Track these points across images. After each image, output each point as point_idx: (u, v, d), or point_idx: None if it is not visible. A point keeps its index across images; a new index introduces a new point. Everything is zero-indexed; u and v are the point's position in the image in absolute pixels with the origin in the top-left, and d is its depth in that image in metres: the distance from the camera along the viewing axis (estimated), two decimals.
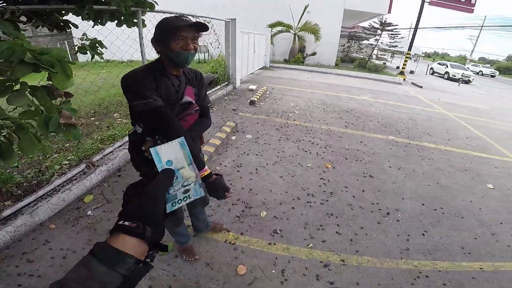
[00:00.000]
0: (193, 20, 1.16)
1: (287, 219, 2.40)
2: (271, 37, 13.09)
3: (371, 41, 18.03)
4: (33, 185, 2.52)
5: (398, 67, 19.11)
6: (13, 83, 1.15)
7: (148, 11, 2.80)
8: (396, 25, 15.45)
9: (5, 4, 1.90)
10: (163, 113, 1.16)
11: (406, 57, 14.34)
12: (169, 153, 0.56)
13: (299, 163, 3.37)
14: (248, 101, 5.92)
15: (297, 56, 14.03)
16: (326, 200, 2.70)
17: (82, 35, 2.75)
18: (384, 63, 17.30)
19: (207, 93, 5.92)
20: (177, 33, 1.13)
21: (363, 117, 5.60)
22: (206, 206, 1.96)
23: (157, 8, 2.84)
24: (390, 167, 3.53)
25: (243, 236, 2.17)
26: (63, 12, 2.46)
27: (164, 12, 3.64)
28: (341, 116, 5.51)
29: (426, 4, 13.33)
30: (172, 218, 1.38)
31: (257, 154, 3.52)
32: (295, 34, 14.04)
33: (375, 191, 2.94)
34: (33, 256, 1.92)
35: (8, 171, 2.60)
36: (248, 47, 8.57)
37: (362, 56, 17.18)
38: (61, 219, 2.28)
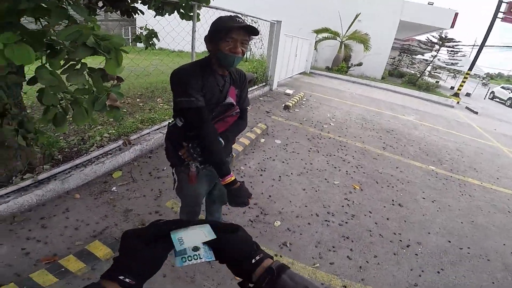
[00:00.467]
0: (245, 22, 1.17)
1: (300, 233, 2.33)
2: (315, 42, 12.82)
3: (426, 56, 16.79)
4: (74, 152, 2.71)
5: (452, 88, 17.60)
6: (76, 63, 1.26)
7: (204, 6, 2.92)
8: (458, 41, 14.16)
9: None
10: (201, 114, 1.21)
11: (464, 77, 13.06)
12: (191, 240, 0.51)
13: (325, 179, 3.25)
14: (283, 105, 5.85)
15: (341, 65, 13.56)
16: (346, 222, 2.58)
17: (142, 26, 2.97)
18: (437, 82, 15.98)
19: None
20: (228, 34, 1.15)
21: (404, 140, 5.23)
22: (224, 204, 1.97)
23: (212, 3, 2.95)
24: (423, 198, 3.27)
25: None
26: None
27: (217, 9, 3.79)
28: (380, 136, 5.20)
29: (497, 20, 11.73)
30: (189, 211, 1.44)
31: (283, 161, 3.47)
32: (341, 42, 13.54)
33: (401, 221, 2.76)
34: (49, 222, 2.00)
35: (56, 134, 2.83)
36: (290, 50, 8.51)
37: (413, 72, 16.09)
38: (87, 190, 2.40)
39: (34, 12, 1.20)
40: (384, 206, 2.95)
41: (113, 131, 3.16)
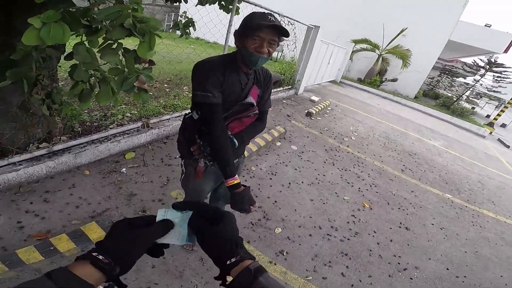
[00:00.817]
0: (276, 22, 1.11)
1: (300, 244, 2.30)
2: (352, 52, 12.43)
3: (468, 80, 15.81)
4: (94, 126, 2.75)
5: (488, 116, 16.50)
6: (113, 42, 1.30)
7: (244, 0, 2.90)
8: (508, 67, 13.16)
9: None
10: (214, 112, 1.18)
11: (505, 106, 12.14)
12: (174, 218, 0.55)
13: (335, 193, 3.18)
14: (306, 111, 5.74)
15: (374, 78, 13.08)
16: (348, 239, 2.52)
17: (183, 13, 3.02)
18: (473, 108, 15.01)
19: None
20: (255, 32, 1.10)
21: (425, 166, 4.99)
22: (228, 203, 1.97)
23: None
24: (432, 224, 3.17)
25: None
26: None
27: (256, 5, 3.77)
28: (400, 158, 4.99)
29: None
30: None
31: (295, 168, 3.42)
32: (380, 55, 13.05)
33: (404, 244, 2.69)
34: (52, 197, 2.00)
35: (89, 107, 2.94)
36: (324, 57, 8.34)
37: (449, 95, 15.21)
38: (97, 168, 2.41)
39: None
40: (390, 228, 2.87)
41: (135, 112, 3.25)
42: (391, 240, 2.67)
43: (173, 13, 14.47)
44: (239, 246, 0.53)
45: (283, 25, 1.13)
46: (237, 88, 1.23)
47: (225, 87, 1.19)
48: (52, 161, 2.16)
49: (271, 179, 3.05)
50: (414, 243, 2.74)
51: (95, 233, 1.74)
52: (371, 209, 3.08)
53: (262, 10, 4.33)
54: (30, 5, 1.33)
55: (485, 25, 13.88)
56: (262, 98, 1.37)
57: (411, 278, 2.29)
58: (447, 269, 2.53)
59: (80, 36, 1.29)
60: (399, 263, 2.41)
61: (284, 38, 1.15)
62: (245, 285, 0.46)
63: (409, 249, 2.64)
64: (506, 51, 12.99)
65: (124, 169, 2.48)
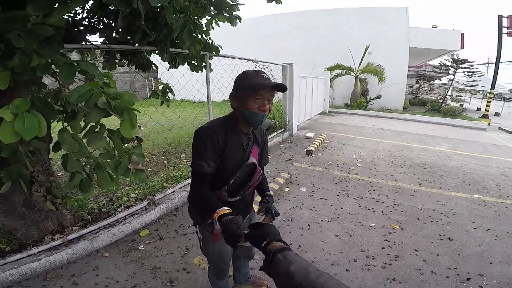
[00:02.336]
0: (272, 80, 1.18)
1: None
2: (330, 80, 13.03)
3: (444, 80, 16.42)
4: (102, 212, 2.82)
5: (479, 109, 16.69)
6: (94, 125, 1.29)
7: (214, 55, 3.04)
8: (472, 61, 13.90)
9: (96, 45, 2.28)
10: (204, 180, 1.21)
11: (489, 97, 12.42)
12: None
13: (359, 222, 3.01)
14: (305, 150, 5.75)
15: (360, 100, 13.50)
16: (389, 264, 2.33)
17: (157, 79, 3.16)
18: (462, 105, 15.30)
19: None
20: (257, 92, 1.12)
21: (440, 172, 4.84)
22: (250, 259, 1.88)
23: (221, 52, 3.08)
24: (475, 228, 2.94)
25: None
26: (146, 53, 2.84)
27: (228, 57, 3.95)
28: (412, 171, 4.85)
29: (504, 36, 11.52)
30: (216, 270, 1.44)
31: (311, 209, 3.28)
32: (356, 77, 13.68)
33: (454, 255, 2.47)
34: (79, 279, 2.07)
35: (91, 197, 2.95)
36: (306, 91, 8.59)
37: (434, 98, 15.63)
38: (115, 249, 2.45)
39: (45, 69, 1.23)
40: (431, 242, 2.67)
41: (140, 191, 3.25)
42: (437, 254, 2.48)
43: (152, 78, 14.50)
44: (269, 235, 0.80)
45: (278, 81, 1.22)
46: (240, 151, 1.26)
47: (227, 152, 1.21)
48: (70, 249, 2.25)
49: (288, 225, 2.91)
50: (464, 251, 2.54)
51: None
52: (402, 229, 2.88)
53: (236, 61, 4.54)
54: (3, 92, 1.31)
55: (432, 27, 15.02)
56: (262, 155, 1.42)
57: (480, 287, 2.09)
58: None
59: (62, 122, 1.28)
60: (458, 275, 2.21)
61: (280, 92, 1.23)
62: (267, 263, 0.64)
63: (461, 258, 2.44)
64: (462, 47, 13.85)
65: (142, 246, 2.51)
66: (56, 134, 1.29)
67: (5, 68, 1.12)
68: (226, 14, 2.63)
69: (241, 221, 1.05)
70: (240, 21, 2.72)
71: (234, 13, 2.67)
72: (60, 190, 1.91)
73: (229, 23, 2.70)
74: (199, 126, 1.24)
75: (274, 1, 2.42)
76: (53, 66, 1.32)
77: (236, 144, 1.24)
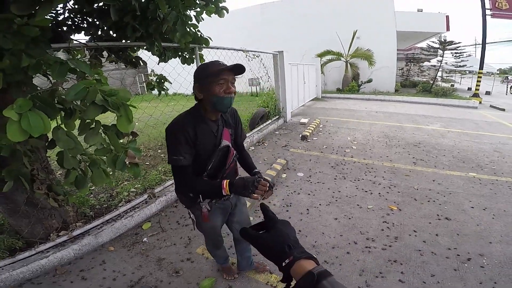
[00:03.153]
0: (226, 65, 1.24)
1: (340, 264, 2.16)
2: (321, 66, 13.03)
3: (433, 62, 16.55)
4: (104, 208, 2.86)
5: (470, 89, 16.91)
6: (90, 122, 1.30)
7: (204, 47, 3.03)
8: (458, 42, 14.02)
9: (84, 42, 2.26)
10: (185, 172, 1.29)
11: (478, 77, 12.56)
12: None
13: (357, 205, 3.06)
14: (300, 136, 5.79)
15: (352, 84, 13.55)
16: (389, 246, 2.38)
17: (150, 72, 3.13)
18: (452, 85, 15.48)
19: (260, 127, 5.97)
20: (218, 77, 1.19)
21: (435, 151, 4.92)
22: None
23: (211, 44, 3.06)
24: (472, 207, 2.99)
25: None
26: (135, 48, 2.81)
27: (218, 48, 3.94)
28: (407, 151, 4.93)
29: (488, 17, 11.72)
30: (213, 242, 1.74)
31: (309, 194, 3.33)
32: (346, 62, 13.72)
33: (453, 235, 2.52)
34: (88, 274, 2.13)
35: (87, 193, 2.97)
36: (298, 78, 8.61)
37: (424, 80, 15.78)
38: (119, 243, 2.50)
39: (36, 68, 1.24)
40: (430, 223, 2.72)
41: (139, 185, 3.28)
42: (436, 235, 2.53)
43: (142, 74, 14.56)
44: (291, 247, 0.54)
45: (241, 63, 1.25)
46: (210, 138, 1.33)
47: (199, 142, 1.28)
48: (76, 245, 2.30)
49: (287, 211, 2.96)
50: (463, 231, 2.59)
51: None
52: (400, 210, 2.95)
53: (226, 52, 4.51)
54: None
55: (418, 10, 15.05)
56: (236, 134, 1.51)
57: (481, 267, 2.12)
58: None
59: (56, 120, 1.29)
60: (458, 255, 2.26)
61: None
62: None
63: (460, 238, 2.48)
64: (448, 29, 14.15)
65: (145, 239, 2.56)
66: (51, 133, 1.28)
67: None
68: (213, 6, 2.59)
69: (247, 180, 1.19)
70: (227, 12, 2.69)
71: (221, 5, 2.63)
72: (61, 187, 1.92)
73: (217, 15, 2.66)
74: (168, 124, 1.30)
75: None
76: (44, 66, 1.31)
77: (206, 133, 1.31)
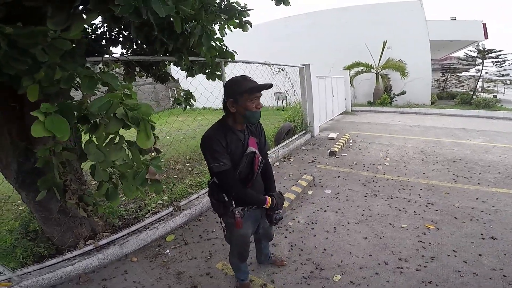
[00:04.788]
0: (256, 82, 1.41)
1: (367, 286, 2.01)
2: (350, 79, 12.69)
3: (472, 71, 15.42)
4: (131, 219, 2.95)
5: None
6: (114, 136, 1.35)
7: (230, 61, 3.10)
8: (499, 50, 12.79)
9: (115, 57, 2.40)
10: (229, 176, 1.44)
11: None
12: None
13: (390, 223, 2.85)
14: (328, 151, 5.59)
15: (383, 97, 12.96)
16: (424, 266, 2.18)
17: (176, 87, 3.24)
18: (495, 96, 14.20)
19: (285, 142, 5.93)
20: (253, 94, 1.37)
21: (478, 168, 4.48)
22: (270, 240, 2.14)
23: (236, 58, 3.14)
24: None
25: None
26: (166, 63, 2.95)
27: (243, 62, 3.99)
28: (446, 168, 4.54)
29: None
30: (239, 253, 1.81)
31: (336, 211, 3.17)
32: (377, 73, 13.18)
33: (499, 255, 2.26)
34: (109, 283, 2.18)
35: (118, 204, 3.09)
36: (326, 92, 8.41)
37: (464, 90, 14.69)
38: (143, 254, 2.55)
39: (68, 81, 1.32)
40: (472, 242, 2.47)
41: (166, 198, 3.36)
42: (480, 255, 2.28)
43: (175, 88, 14.91)
44: None
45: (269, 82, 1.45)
46: (239, 145, 1.48)
47: (230, 149, 1.44)
48: (101, 254, 2.38)
49: (312, 228, 2.83)
50: (511, 251, 2.32)
51: None
52: (438, 229, 2.70)
53: (251, 66, 4.58)
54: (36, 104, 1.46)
55: (451, 19, 14.25)
56: (261, 143, 1.63)
57: None
58: None
59: (88, 134, 1.37)
60: (505, 276, 2.03)
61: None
62: None
63: (508, 258, 2.23)
64: (486, 37, 13.16)
65: (167, 251, 2.58)
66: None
67: (34, 81, 1.23)
68: (237, 20, 2.67)
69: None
70: (251, 27, 2.76)
71: (244, 19, 2.70)
72: (91, 198, 2.01)
73: (241, 29, 2.74)
74: (202, 137, 1.45)
75: (282, 2, 2.42)
76: (77, 78, 1.41)
77: (236, 141, 1.47)
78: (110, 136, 1.34)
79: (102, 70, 2.08)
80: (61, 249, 2.34)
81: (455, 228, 2.70)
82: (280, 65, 5.68)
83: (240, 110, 1.41)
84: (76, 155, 1.64)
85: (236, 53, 3.05)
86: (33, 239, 2.45)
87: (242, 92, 1.36)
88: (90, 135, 1.37)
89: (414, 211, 3.08)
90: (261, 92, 1.41)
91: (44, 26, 1.14)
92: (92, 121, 1.31)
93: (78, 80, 1.42)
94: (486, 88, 15.73)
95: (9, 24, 1.06)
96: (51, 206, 2.20)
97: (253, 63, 4.53)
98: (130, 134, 1.40)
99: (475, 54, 13.34)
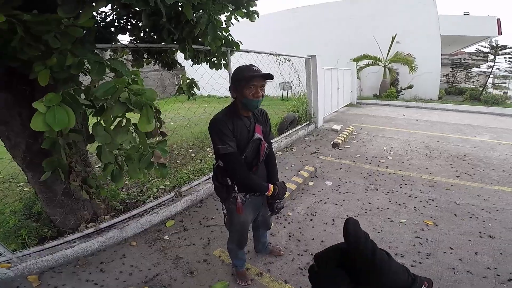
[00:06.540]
0: (261, 71, 1.43)
1: None
2: (357, 71, 12.49)
3: (483, 67, 15.03)
4: (133, 203, 2.99)
5: None
6: (121, 119, 1.37)
7: (235, 50, 3.08)
8: None
9: (124, 44, 2.41)
10: (235, 159, 1.48)
11: None
12: None
13: (389, 218, 2.86)
14: (331, 143, 5.57)
15: (390, 90, 12.75)
16: (420, 262, 2.22)
17: (181, 75, 3.25)
18: (505, 93, 13.88)
19: (289, 132, 5.94)
20: (249, 83, 1.40)
21: (482, 165, 4.43)
22: (268, 229, 2.16)
23: (242, 48, 3.11)
24: None
25: None
26: (174, 50, 2.95)
27: (248, 52, 3.95)
28: (450, 164, 4.50)
29: None
30: (238, 239, 1.83)
31: (336, 204, 3.19)
32: (385, 67, 12.92)
33: (495, 254, 2.28)
34: (107, 267, 2.22)
35: (120, 187, 3.14)
36: (331, 83, 8.32)
37: (473, 86, 14.37)
38: (142, 238, 2.59)
39: (78, 67, 1.35)
40: (469, 240, 2.48)
41: (168, 183, 3.39)
42: (475, 253, 2.30)
43: (180, 76, 15.59)
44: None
45: (268, 71, 1.47)
46: (245, 131, 1.54)
47: (237, 134, 1.49)
48: (101, 237, 2.41)
49: (311, 220, 2.86)
50: (507, 250, 2.33)
51: None
52: (436, 225, 2.70)
53: (256, 56, 4.52)
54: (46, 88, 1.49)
55: (464, 14, 13.79)
56: (265, 132, 1.67)
57: None
58: None
59: (96, 117, 1.38)
60: (498, 275, 2.04)
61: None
62: None
63: (503, 258, 2.23)
64: (500, 33, 12.62)
65: (166, 236, 2.62)
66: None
67: (45, 66, 1.26)
68: (244, 10, 2.62)
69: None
70: (258, 16, 2.71)
71: (251, 9, 2.66)
72: (95, 180, 2.04)
73: (248, 19, 2.69)
74: (210, 120, 1.50)
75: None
76: (87, 64, 1.44)
77: (242, 127, 1.52)
78: (118, 119, 1.35)
79: (112, 57, 2.08)
80: (63, 231, 2.39)
81: (453, 225, 2.71)
82: (286, 55, 5.61)
83: (239, 97, 1.47)
84: (83, 136, 1.66)
85: (241, 43, 3.02)
86: (35, 221, 2.49)
87: (240, 80, 1.42)
88: (98, 119, 1.39)
89: (414, 207, 3.08)
90: (264, 82, 1.44)
91: (54, 13, 1.15)
92: (97, 106, 1.33)
93: (88, 65, 1.44)
94: (497, 84, 15.40)
95: (25, 12, 1.08)
96: (56, 187, 2.23)
97: (259, 52, 4.48)
98: (138, 117, 1.41)
99: (487, 50, 12.98)
